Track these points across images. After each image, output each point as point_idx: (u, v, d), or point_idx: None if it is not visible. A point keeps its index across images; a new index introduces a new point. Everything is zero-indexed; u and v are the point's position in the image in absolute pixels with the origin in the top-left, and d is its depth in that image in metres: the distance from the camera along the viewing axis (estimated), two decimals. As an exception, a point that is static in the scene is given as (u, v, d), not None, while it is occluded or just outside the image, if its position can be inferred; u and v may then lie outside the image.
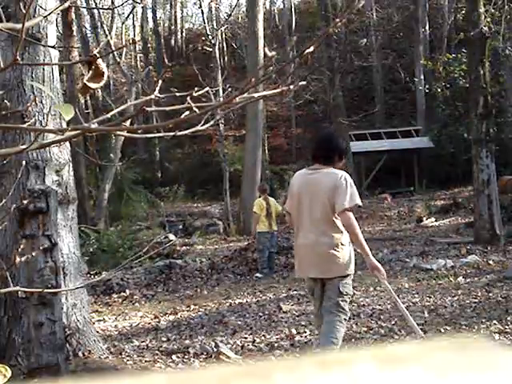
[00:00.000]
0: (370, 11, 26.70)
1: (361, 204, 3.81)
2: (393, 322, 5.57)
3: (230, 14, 22.94)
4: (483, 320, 5.37)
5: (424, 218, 14.44)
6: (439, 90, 21.64)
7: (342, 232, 3.73)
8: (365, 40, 26.69)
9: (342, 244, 3.72)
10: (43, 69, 4.79)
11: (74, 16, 14.76)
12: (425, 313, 5.83)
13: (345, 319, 3.78)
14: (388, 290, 3.93)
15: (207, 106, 0.86)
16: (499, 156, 12.75)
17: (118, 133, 1.10)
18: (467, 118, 15.00)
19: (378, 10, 27.88)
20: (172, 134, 0.81)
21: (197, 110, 0.83)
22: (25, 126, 1.85)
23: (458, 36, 20.53)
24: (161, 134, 0.82)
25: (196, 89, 0.86)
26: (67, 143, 4.90)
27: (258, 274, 9.20)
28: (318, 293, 3.84)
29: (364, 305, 6.31)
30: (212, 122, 0.84)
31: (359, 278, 7.02)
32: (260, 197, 9.85)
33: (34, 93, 4.70)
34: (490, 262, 8.35)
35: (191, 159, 28.38)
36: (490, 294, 6.39)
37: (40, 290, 3.25)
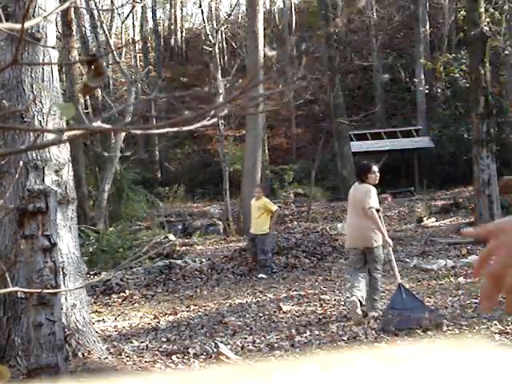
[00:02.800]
0: (371, 11, 26.70)
1: (375, 207, 5.86)
2: (393, 322, 5.56)
3: (230, 14, 22.93)
4: (484, 320, 5.36)
5: (424, 218, 14.43)
6: (439, 89, 21.64)
7: (368, 221, 5.84)
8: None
9: (368, 227, 5.84)
10: (43, 68, 4.79)
11: (73, 15, 14.75)
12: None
13: (379, 273, 5.97)
14: (390, 252, 6.01)
15: (207, 106, 0.85)
16: (500, 156, 12.75)
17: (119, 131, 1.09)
18: (468, 118, 15.00)
19: (379, 9, 27.88)
20: (169, 129, 0.81)
21: (196, 110, 0.83)
22: (24, 126, 1.85)
23: (458, 36, 20.55)
24: (159, 131, 0.81)
25: (196, 89, 0.86)
26: (67, 143, 4.90)
27: (262, 275, 9.06)
28: (357, 256, 5.99)
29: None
30: (208, 121, 0.83)
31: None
32: (262, 198, 9.65)
33: (33, 93, 4.69)
34: (491, 262, 8.34)
35: (191, 159, 28.38)
36: (491, 294, 6.37)
37: (39, 290, 3.24)
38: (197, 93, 0.81)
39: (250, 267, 9.57)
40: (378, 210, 5.91)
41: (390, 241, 5.93)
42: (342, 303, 6.61)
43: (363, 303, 5.78)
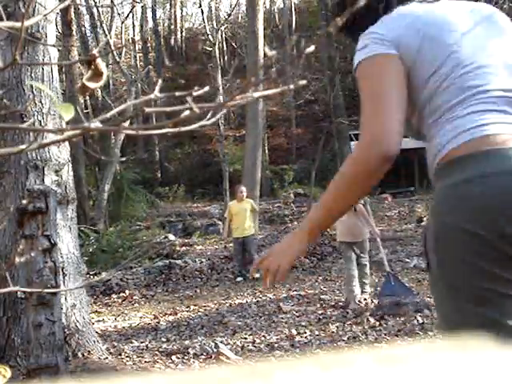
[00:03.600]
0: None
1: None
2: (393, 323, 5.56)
3: (230, 14, 22.93)
4: (483, 320, 5.36)
5: (424, 218, 14.43)
6: (439, 89, 21.60)
7: (355, 218, 6.38)
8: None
9: (356, 224, 6.38)
10: (42, 68, 4.79)
11: (73, 15, 14.75)
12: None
13: (367, 260, 6.70)
14: (378, 243, 6.67)
15: (207, 106, 0.85)
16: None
17: (118, 132, 1.09)
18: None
19: (378, 10, 27.83)
20: (170, 130, 0.81)
21: (197, 109, 0.82)
22: (24, 126, 1.84)
23: (457, 36, 20.50)
24: (159, 131, 0.81)
25: (196, 88, 0.86)
26: (66, 143, 4.90)
27: (257, 275, 9.08)
28: (346, 250, 6.63)
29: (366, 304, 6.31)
30: (208, 121, 0.83)
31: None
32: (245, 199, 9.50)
33: (33, 92, 4.69)
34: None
35: (191, 159, 28.38)
36: (491, 294, 6.38)
37: (39, 290, 3.24)
38: (197, 93, 0.81)
39: (249, 267, 9.52)
40: (363, 205, 6.62)
41: (377, 231, 6.69)
42: (342, 303, 6.61)
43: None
